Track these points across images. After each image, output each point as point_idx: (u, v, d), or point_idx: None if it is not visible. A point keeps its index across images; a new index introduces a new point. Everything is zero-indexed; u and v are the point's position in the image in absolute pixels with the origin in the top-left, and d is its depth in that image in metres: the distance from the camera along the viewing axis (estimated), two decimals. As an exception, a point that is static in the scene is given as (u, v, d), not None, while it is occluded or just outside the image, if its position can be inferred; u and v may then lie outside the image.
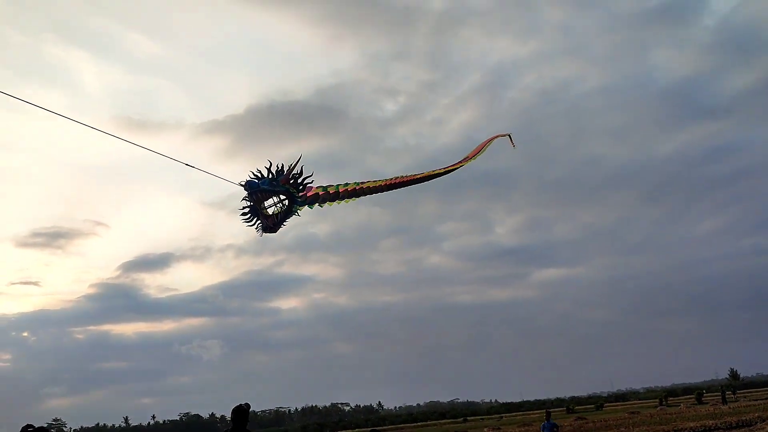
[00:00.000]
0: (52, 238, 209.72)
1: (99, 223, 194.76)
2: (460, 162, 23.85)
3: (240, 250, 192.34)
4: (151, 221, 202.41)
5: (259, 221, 10.48)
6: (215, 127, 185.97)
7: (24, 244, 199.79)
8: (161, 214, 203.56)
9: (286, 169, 10.43)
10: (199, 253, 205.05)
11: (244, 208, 10.41)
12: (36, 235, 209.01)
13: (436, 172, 20.76)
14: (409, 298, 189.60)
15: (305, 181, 10.74)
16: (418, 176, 18.88)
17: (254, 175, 10.19)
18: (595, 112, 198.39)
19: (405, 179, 18.10)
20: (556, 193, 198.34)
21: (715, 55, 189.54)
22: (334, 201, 13.64)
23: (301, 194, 11.11)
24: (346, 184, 13.57)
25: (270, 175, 10.23)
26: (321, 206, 12.58)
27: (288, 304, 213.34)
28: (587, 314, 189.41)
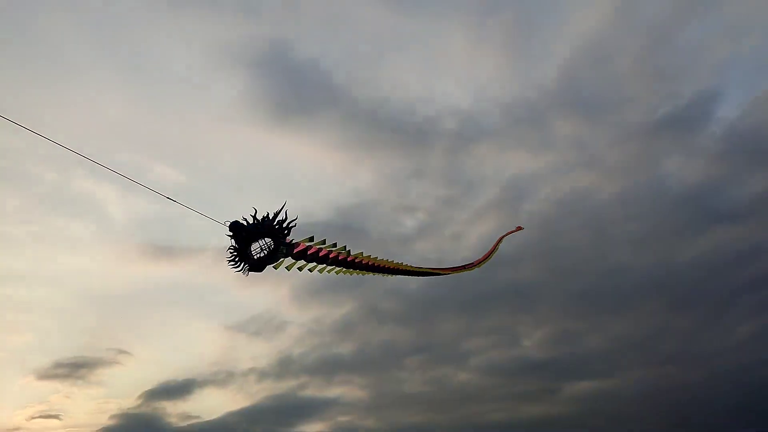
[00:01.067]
0: (74, 368, 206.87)
1: (122, 351, 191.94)
2: (469, 265, 23.89)
3: (262, 374, 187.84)
4: (173, 347, 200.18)
5: (244, 264, 10.27)
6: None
7: (45, 376, 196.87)
8: (183, 340, 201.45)
9: (271, 216, 10.32)
10: (221, 378, 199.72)
11: (230, 250, 10.27)
12: (58, 366, 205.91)
13: (438, 270, 20.72)
14: (437, 418, 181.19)
15: (290, 225, 10.61)
16: (421, 269, 18.86)
17: (244, 220, 10.04)
18: (614, 222, 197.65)
19: (402, 267, 17.96)
20: (583, 304, 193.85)
21: (726, 161, 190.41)
22: (323, 265, 13.31)
23: (286, 239, 10.93)
24: (340, 250, 13.40)
25: (255, 221, 10.07)
26: (310, 271, 12.39)
27: (312, 429, 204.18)
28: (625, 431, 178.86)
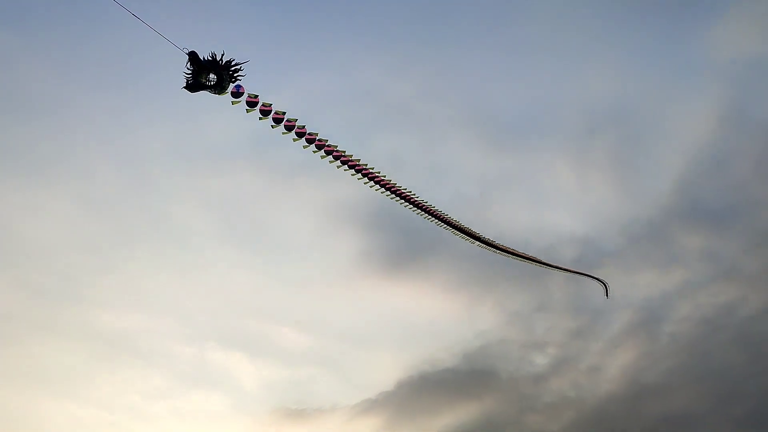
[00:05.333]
0: None
1: None
2: (541, 262, 22.60)
3: None
4: None
5: (189, 83, 12.18)
6: (369, 407, 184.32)
7: None
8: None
9: (233, 62, 12.23)
10: None
11: (187, 76, 12.10)
12: None
13: (502, 247, 19.45)
14: None
15: (238, 70, 12.33)
16: (460, 227, 17.87)
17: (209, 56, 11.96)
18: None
19: (434, 212, 17.34)
20: (751, 431, 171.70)
21: None
22: (295, 138, 14.81)
23: (234, 84, 12.73)
24: (305, 128, 14.72)
25: (209, 59, 11.92)
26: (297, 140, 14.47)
27: None
28: None
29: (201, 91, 12.40)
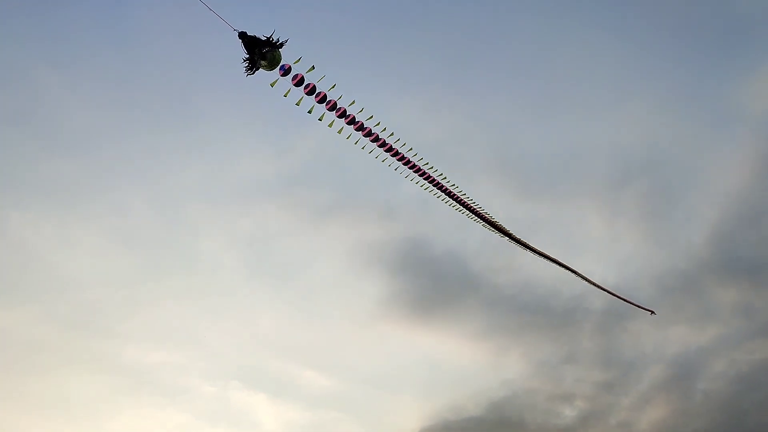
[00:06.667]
0: None
1: None
2: (589, 280, 22.00)
3: None
4: None
5: (251, 67, 12.71)
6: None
7: None
8: None
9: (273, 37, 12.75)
10: None
11: (245, 59, 12.62)
12: None
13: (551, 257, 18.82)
14: None
15: (281, 43, 12.61)
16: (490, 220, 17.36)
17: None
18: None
19: (462, 202, 17.06)
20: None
21: None
22: (340, 121, 14.63)
23: (280, 66, 13.06)
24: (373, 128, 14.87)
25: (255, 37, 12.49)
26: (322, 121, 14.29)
27: None
28: None
29: (258, 70, 13.01)
